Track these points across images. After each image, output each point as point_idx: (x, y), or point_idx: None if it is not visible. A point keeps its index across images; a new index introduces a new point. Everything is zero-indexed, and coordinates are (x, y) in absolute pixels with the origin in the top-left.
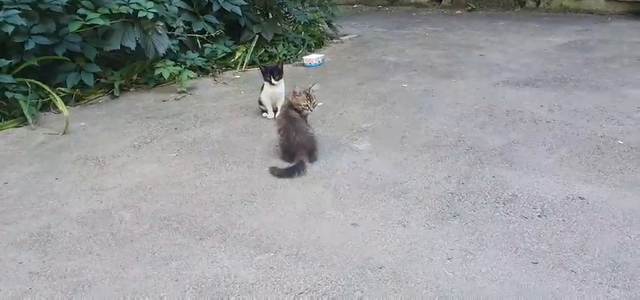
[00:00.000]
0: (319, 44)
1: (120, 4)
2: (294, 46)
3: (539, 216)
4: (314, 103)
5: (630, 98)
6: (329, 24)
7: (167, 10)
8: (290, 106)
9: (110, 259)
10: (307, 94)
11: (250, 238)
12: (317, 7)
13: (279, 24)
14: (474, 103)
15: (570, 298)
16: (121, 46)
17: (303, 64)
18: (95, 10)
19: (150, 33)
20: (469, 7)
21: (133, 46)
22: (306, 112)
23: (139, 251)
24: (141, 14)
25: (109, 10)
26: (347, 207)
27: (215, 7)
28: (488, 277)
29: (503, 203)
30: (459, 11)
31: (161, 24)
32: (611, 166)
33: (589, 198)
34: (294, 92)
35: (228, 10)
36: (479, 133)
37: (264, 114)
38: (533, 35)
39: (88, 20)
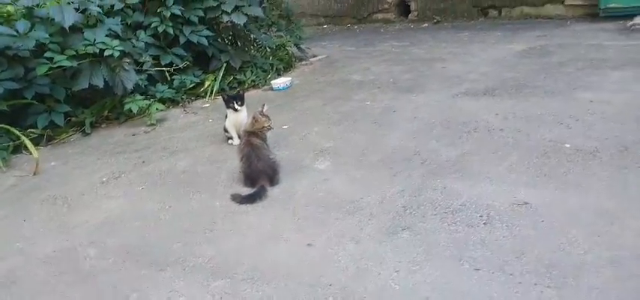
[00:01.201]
0: (288, 67)
1: (86, 45)
2: (263, 71)
3: (484, 223)
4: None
5: (580, 101)
6: (297, 47)
7: (134, 46)
8: (251, 133)
9: (73, 298)
10: (265, 115)
11: (208, 265)
12: (284, 31)
13: (247, 50)
14: (432, 116)
15: None
16: (90, 84)
17: (272, 88)
18: (62, 52)
19: (117, 70)
20: (435, 20)
21: (101, 84)
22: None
23: (102, 287)
24: (107, 53)
25: (76, 51)
26: (304, 228)
27: (182, 40)
28: (431, 287)
29: (452, 213)
30: (426, 24)
31: (128, 60)
32: (556, 169)
33: (533, 202)
34: (255, 119)
35: (195, 41)
36: (434, 145)
37: (230, 141)
38: (495, 44)
39: (55, 63)
